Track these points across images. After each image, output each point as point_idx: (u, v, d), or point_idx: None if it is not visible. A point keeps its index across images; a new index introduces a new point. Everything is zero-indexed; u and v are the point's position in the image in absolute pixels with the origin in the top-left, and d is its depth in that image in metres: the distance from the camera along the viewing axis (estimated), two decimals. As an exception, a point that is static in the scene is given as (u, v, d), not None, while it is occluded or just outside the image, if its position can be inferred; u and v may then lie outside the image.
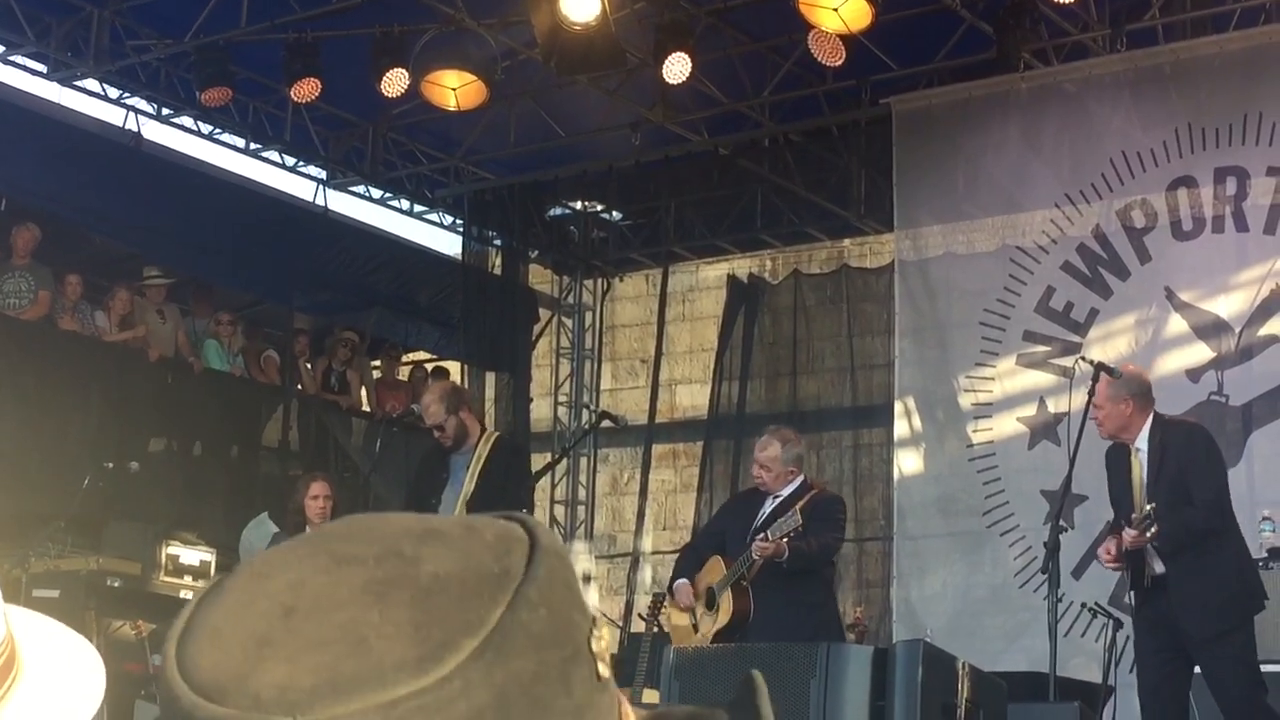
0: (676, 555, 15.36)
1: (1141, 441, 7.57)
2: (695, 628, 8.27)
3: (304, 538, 0.92)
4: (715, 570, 8.31)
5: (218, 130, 14.46)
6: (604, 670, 0.91)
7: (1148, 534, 7.14)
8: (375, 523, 0.91)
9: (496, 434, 8.92)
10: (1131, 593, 7.74)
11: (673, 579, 8.79)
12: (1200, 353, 11.90)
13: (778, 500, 8.16)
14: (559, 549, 0.91)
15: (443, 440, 8.56)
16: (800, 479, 8.36)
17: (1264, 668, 7.77)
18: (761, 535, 7.92)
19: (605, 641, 0.92)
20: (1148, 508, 7.12)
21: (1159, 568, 7.42)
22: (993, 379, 12.78)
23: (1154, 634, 7.53)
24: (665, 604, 9.68)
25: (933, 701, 5.51)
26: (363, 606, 0.85)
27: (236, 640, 0.86)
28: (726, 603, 8.15)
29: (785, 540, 7.86)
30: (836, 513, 8.43)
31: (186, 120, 14.25)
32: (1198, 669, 7.59)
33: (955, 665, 5.69)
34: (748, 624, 8.06)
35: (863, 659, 5.60)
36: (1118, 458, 7.76)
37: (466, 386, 15.68)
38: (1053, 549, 7.90)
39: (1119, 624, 10.18)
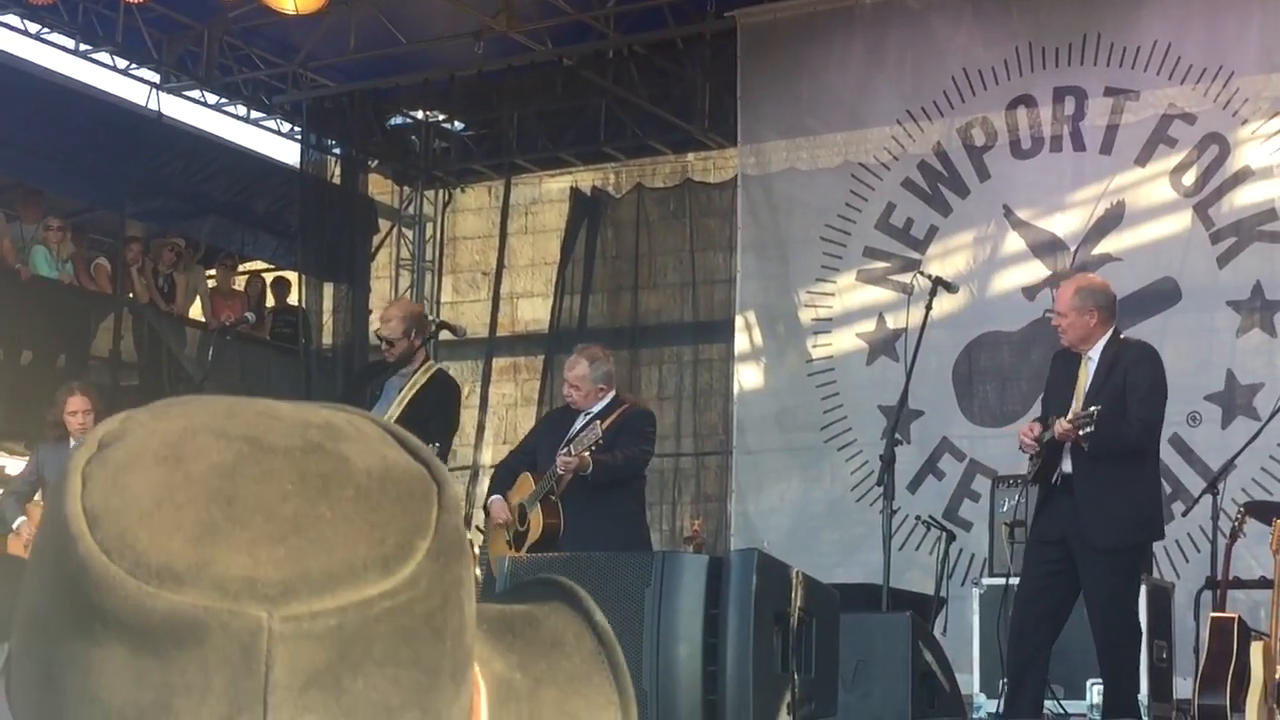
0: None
1: (1095, 353, 7.48)
2: (510, 544, 8.28)
3: (189, 414, 0.85)
4: (525, 486, 8.36)
5: (45, 30, 14.00)
6: (476, 570, 0.89)
7: (1081, 431, 7.06)
8: (267, 408, 0.86)
9: (436, 367, 8.90)
10: (1031, 476, 7.62)
11: (487, 496, 8.84)
12: (1036, 270, 12.06)
13: (589, 417, 8.22)
14: (427, 448, 0.89)
15: (387, 355, 8.62)
16: (611, 395, 8.42)
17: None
18: (564, 450, 7.99)
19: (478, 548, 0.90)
20: (1092, 408, 7.06)
21: (1067, 467, 7.34)
22: (833, 294, 12.85)
23: (1045, 544, 7.45)
24: (479, 525, 9.79)
25: (766, 610, 5.51)
26: (308, 500, 0.80)
27: (174, 525, 0.79)
28: (536, 518, 8.20)
29: (588, 453, 7.94)
30: (645, 426, 8.49)
31: (12, 19, 13.78)
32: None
33: (789, 574, 5.70)
34: (558, 538, 8.09)
35: (697, 568, 5.59)
36: (1066, 361, 7.64)
37: (304, 297, 15.49)
38: (888, 461, 7.97)
39: (952, 537, 10.35)
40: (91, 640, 0.78)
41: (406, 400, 8.38)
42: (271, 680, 0.77)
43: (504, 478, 8.70)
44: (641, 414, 8.60)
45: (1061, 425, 7.16)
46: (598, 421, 8.06)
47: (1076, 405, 7.33)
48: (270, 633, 0.77)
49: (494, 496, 8.59)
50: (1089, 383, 7.41)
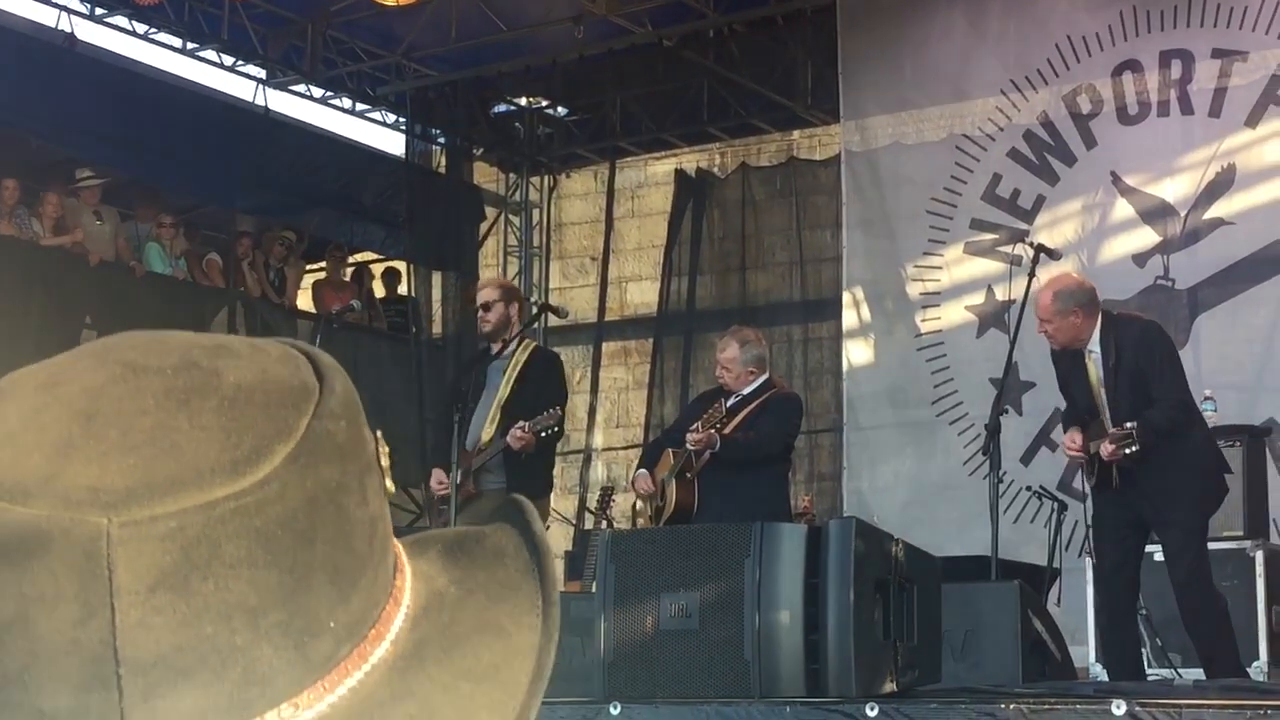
0: (628, 452, 15.50)
1: (1094, 344, 7.47)
2: (651, 519, 8.35)
3: (84, 349, 0.88)
4: (666, 462, 8.41)
5: (153, 30, 14.20)
6: (390, 484, 0.92)
7: (1126, 451, 7.09)
8: (160, 336, 0.89)
9: (534, 344, 8.93)
10: (1092, 481, 7.67)
11: (635, 470, 8.92)
12: (1146, 237, 11.89)
13: (738, 399, 8.19)
14: (341, 369, 0.91)
15: (483, 322, 8.60)
16: (763, 378, 8.44)
17: (1213, 545, 7.77)
18: (693, 427, 7.98)
19: (388, 459, 0.92)
20: (1129, 425, 7.07)
21: (1124, 464, 7.34)
22: (941, 268, 12.75)
23: (1116, 510, 7.48)
24: (614, 497, 9.95)
25: (866, 578, 5.48)
26: (168, 412, 0.82)
27: (34, 444, 0.82)
28: (671, 493, 8.22)
29: (714, 431, 7.95)
30: (786, 409, 8.48)
31: (121, 20, 13.99)
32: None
33: (888, 542, 5.66)
34: (692, 515, 8.12)
35: (796, 537, 5.57)
36: (1069, 359, 7.64)
37: (413, 285, 15.60)
38: (993, 431, 7.90)
39: (1064, 507, 10.22)
40: None
41: (512, 380, 8.42)
42: (116, 583, 0.79)
43: (653, 454, 8.77)
44: (785, 397, 8.61)
45: (1107, 449, 7.20)
46: (720, 400, 8.12)
47: (1099, 402, 7.39)
48: (109, 537, 0.79)
49: (640, 470, 8.67)
50: (1100, 375, 7.42)
